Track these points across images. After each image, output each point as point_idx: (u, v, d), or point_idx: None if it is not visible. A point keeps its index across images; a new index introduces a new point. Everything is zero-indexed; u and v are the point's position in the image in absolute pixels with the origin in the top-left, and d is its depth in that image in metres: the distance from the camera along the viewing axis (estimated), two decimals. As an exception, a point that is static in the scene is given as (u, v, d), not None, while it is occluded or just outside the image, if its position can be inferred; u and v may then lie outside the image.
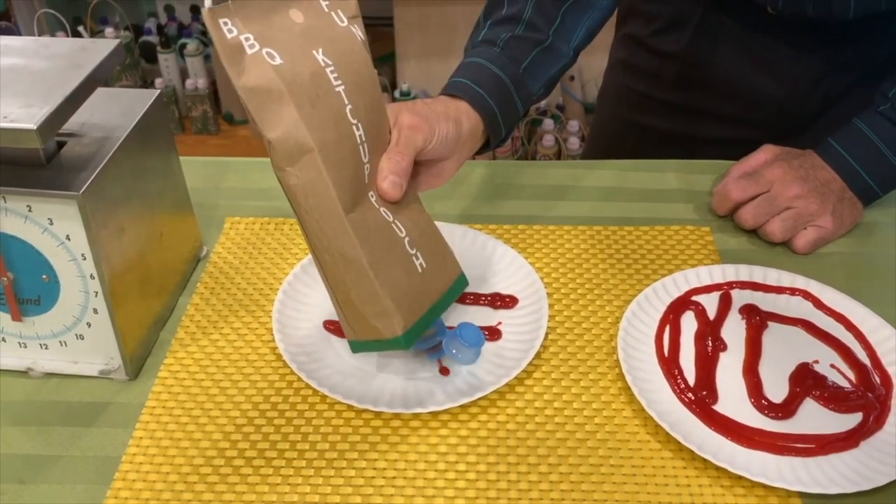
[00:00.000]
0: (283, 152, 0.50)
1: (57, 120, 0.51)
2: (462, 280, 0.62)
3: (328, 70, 0.51)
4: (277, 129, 0.49)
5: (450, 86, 0.68)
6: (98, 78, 0.55)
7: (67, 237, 0.56)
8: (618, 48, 1.02)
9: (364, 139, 0.53)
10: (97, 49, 0.57)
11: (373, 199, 0.55)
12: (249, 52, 0.48)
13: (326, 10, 0.53)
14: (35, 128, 0.49)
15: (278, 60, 0.49)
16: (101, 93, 0.61)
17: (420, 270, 0.56)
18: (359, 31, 0.55)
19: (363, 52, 0.54)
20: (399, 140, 0.57)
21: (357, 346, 0.57)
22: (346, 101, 0.52)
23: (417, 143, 0.58)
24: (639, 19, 0.96)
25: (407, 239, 0.56)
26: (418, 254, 0.56)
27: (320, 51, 0.51)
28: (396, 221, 0.56)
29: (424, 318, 0.56)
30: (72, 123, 0.58)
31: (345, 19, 0.54)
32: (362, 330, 0.55)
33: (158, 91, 0.64)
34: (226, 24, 0.48)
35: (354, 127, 0.52)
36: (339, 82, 0.51)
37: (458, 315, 0.66)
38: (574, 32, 0.75)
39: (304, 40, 0.51)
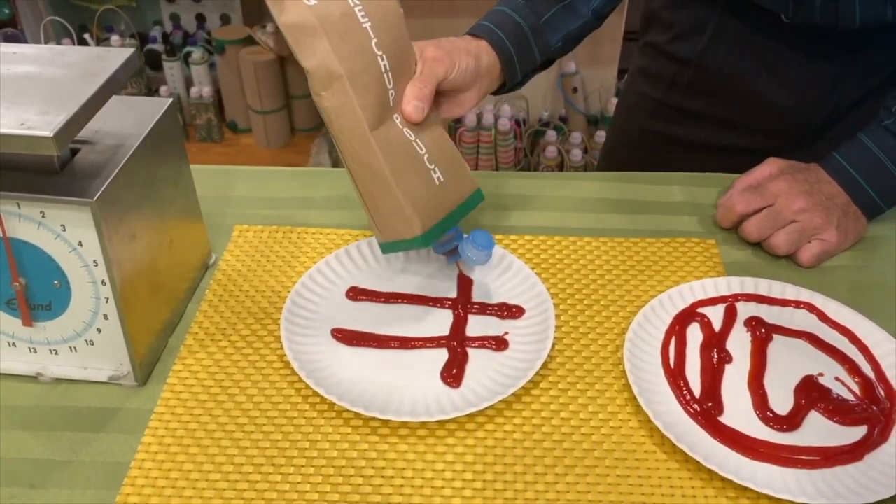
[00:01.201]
0: (318, 79, 0.58)
1: (73, 127, 0.51)
2: (478, 194, 0.68)
3: (356, 9, 0.58)
4: (313, 59, 0.57)
5: (474, 27, 0.75)
6: (113, 86, 0.56)
7: (80, 243, 0.56)
8: (638, 57, 1.03)
9: (388, 68, 0.60)
10: (112, 58, 0.57)
11: (397, 121, 0.62)
12: None
13: None
14: (52, 135, 0.49)
15: (313, 1, 0.57)
16: (113, 101, 0.61)
17: (437, 183, 0.63)
18: None
19: None
20: (423, 70, 0.64)
21: (386, 248, 0.64)
22: (372, 36, 0.59)
23: (439, 73, 0.65)
24: (659, 27, 0.98)
25: (426, 155, 0.63)
26: (436, 168, 0.63)
27: None
28: (418, 140, 0.63)
29: (442, 223, 0.64)
30: (85, 131, 0.59)
31: None
32: (389, 232, 0.63)
33: (170, 99, 0.65)
34: None
35: (379, 58, 0.60)
36: (367, 20, 0.59)
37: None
38: None
39: None
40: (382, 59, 0.60)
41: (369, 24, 0.59)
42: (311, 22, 0.57)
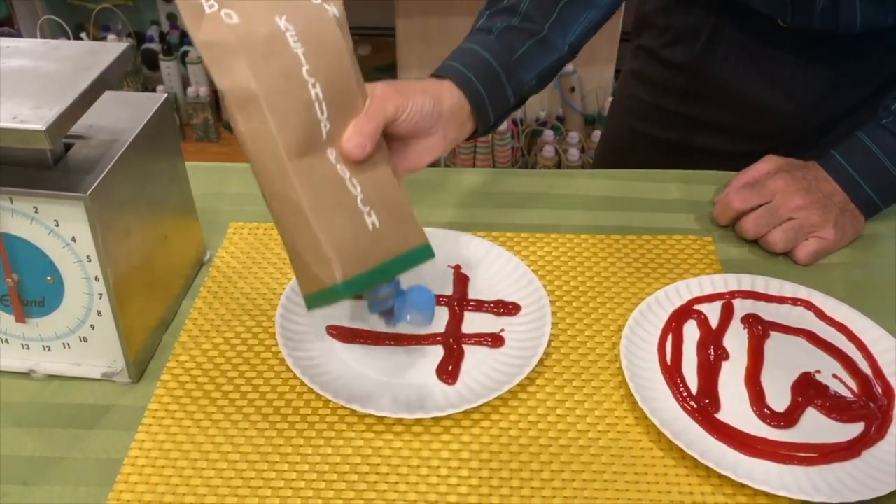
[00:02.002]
0: (234, 100, 0.53)
1: (66, 121, 0.51)
2: (426, 250, 0.60)
3: (288, 34, 0.54)
4: (228, 78, 0.52)
5: (438, 68, 0.69)
6: (106, 80, 0.55)
7: (73, 239, 0.56)
8: (631, 60, 1.03)
9: (322, 97, 0.55)
10: (106, 52, 0.57)
11: (331, 157, 0.56)
12: (208, 11, 0.51)
13: None
14: (44, 129, 0.49)
15: (235, 20, 0.52)
16: (108, 96, 0.61)
17: (371, 228, 0.56)
18: (333, 8, 0.56)
19: (332, 24, 0.56)
20: (369, 108, 0.58)
21: (310, 301, 0.56)
22: (304, 62, 0.54)
23: (388, 111, 0.58)
24: (653, 31, 0.97)
25: (360, 197, 0.56)
26: (371, 212, 0.57)
27: (283, 17, 0.53)
28: (353, 179, 0.56)
29: (371, 274, 0.56)
30: (79, 126, 0.58)
31: None
32: (308, 281, 0.55)
33: (165, 95, 0.64)
34: None
35: (310, 84, 0.54)
36: (299, 45, 0.54)
37: (414, 279, 0.64)
38: (571, 28, 0.75)
39: (269, 6, 0.53)
40: (314, 87, 0.54)
41: (301, 49, 0.54)
42: (229, 39, 0.52)
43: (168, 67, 2.36)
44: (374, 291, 0.57)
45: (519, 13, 0.72)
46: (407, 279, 0.59)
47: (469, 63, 0.68)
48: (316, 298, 0.55)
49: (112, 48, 0.57)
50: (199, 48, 0.52)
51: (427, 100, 0.62)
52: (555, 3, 0.74)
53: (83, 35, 2.35)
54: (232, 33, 0.52)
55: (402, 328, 0.61)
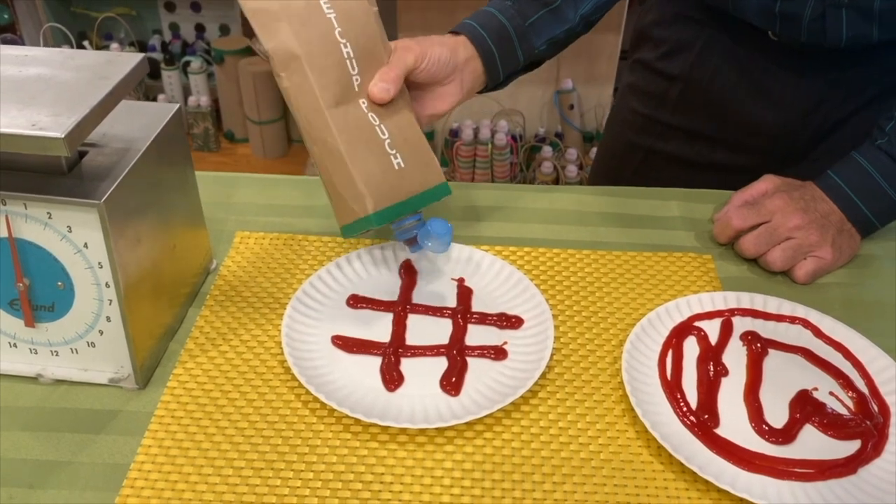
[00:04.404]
0: (278, 60, 0.62)
1: (84, 129, 0.52)
2: (444, 188, 0.68)
3: (321, 1, 0.63)
4: (273, 40, 0.62)
5: (456, 26, 0.76)
6: (123, 90, 0.56)
7: (85, 245, 0.56)
8: (629, 74, 1.05)
9: (352, 55, 0.64)
10: (122, 62, 0.58)
11: (363, 105, 0.65)
12: None
13: None
14: (63, 136, 0.50)
15: None
16: (121, 105, 0.61)
17: (397, 168, 0.65)
18: None
19: None
20: (392, 59, 0.66)
21: (346, 230, 0.65)
22: (336, 25, 0.63)
23: (408, 61, 0.67)
24: (649, 44, 0.99)
25: (388, 140, 0.65)
26: (398, 154, 0.65)
27: None
28: (382, 125, 0.65)
29: (398, 206, 0.65)
30: (93, 134, 0.59)
31: None
32: (345, 213, 0.64)
33: (177, 105, 0.65)
34: None
35: (342, 45, 0.63)
36: (331, 11, 0.63)
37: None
38: (583, 1, 0.80)
39: None
40: (346, 47, 0.63)
41: (334, 14, 0.63)
42: (273, 7, 0.61)
43: (170, 77, 2.37)
44: (400, 222, 0.66)
45: None
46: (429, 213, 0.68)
47: (483, 23, 0.76)
48: (351, 228, 0.65)
49: (128, 59, 0.58)
50: (246, 12, 0.61)
51: (444, 51, 0.70)
52: None
53: (85, 43, 2.35)
54: (275, 2, 0.61)
55: (424, 252, 0.70)
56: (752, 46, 0.87)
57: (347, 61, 0.64)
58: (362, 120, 0.64)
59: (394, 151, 0.65)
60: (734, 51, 0.89)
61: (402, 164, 0.65)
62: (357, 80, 0.64)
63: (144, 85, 2.43)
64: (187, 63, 2.37)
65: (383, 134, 0.65)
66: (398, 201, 0.64)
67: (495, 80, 0.77)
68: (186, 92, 2.40)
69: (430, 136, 2.29)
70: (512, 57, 0.77)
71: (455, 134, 2.23)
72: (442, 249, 0.66)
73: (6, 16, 2.26)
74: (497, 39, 0.75)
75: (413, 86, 0.70)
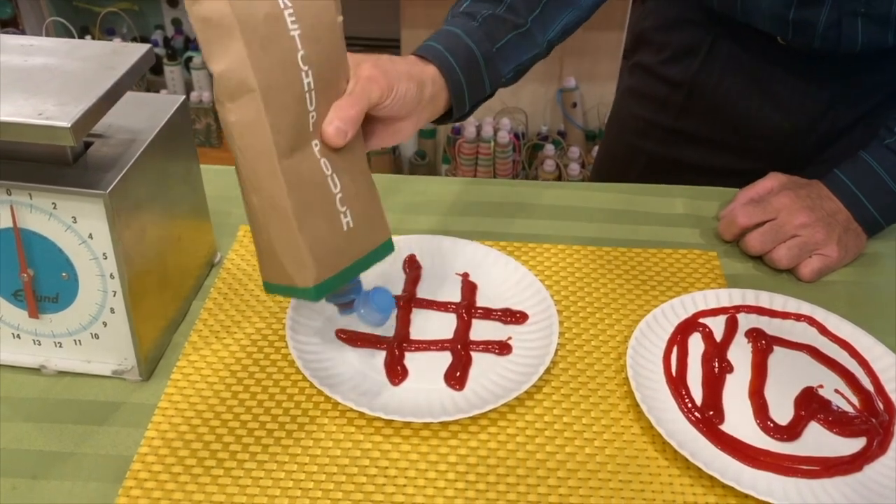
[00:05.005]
0: (226, 87, 0.50)
1: (90, 119, 0.52)
2: (388, 246, 0.61)
3: (286, 12, 0.50)
4: (223, 62, 0.49)
5: (421, 48, 0.67)
6: (130, 80, 0.56)
7: (90, 236, 0.56)
8: (627, 77, 1.04)
9: (313, 87, 0.52)
10: (129, 52, 0.58)
11: (315, 149, 0.54)
12: None
13: None
14: (69, 126, 0.50)
15: None
16: (126, 96, 0.61)
17: (345, 229, 0.56)
18: None
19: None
20: (354, 90, 0.56)
21: (270, 288, 0.57)
22: (300, 47, 0.51)
23: (373, 96, 0.57)
24: (649, 48, 0.98)
25: (340, 196, 0.56)
26: (348, 212, 0.56)
27: None
28: (334, 175, 0.55)
29: (340, 275, 0.57)
30: (98, 125, 0.59)
31: None
32: (277, 274, 0.55)
33: (183, 97, 0.65)
34: None
35: (304, 73, 0.52)
36: (296, 27, 0.51)
37: (378, 279, 0.67)
38: (552, 25, 0.75)
39: None
40: (307, 76, 0.52)
41: (298, 32, 0.51)
42: (229, 19, 0.48)
43: (172, 72, 2.37)
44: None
45: (504, 3, 0.72)
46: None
47: (453, 49, 0.67)
48: (279, 289, 0.56)
49: (134, 49, 0.58)
50: (193, 23, 0.49)
51: (411, 87, 0.61)
52: None
53: (88, 38, 2.35)
54: (231, 11, 0.48)
55: (357, 321, 0.62)
56: (759, 52, 0.86)
57: (307, 94, 0.52)
58: (315, 171, 0.54)
59: (344, 209, 0.56)
60: (740, 56, 0.88)
61: (352, 224, 0.56)
62: (313, 116, 0.53)
63: (147, 80, 2.43)
64: (190, 58, 2.37)
65: (335, 187, 0.55)
66: (342, 268, 0.56)
67: (461, 111, 0.69)
68: (189, 87, 2.40)
69: (432, 133, 2.29)
70: (479, 86, 0.69)
71: (457, 131, 2.23)
72: (378, 323, 0.61)
73: (8, 10, 2.26)
74: (467, 68, 0.67)
75: (366, 117, 0.58)
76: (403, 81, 0.60)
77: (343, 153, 0.56)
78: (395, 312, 0.61)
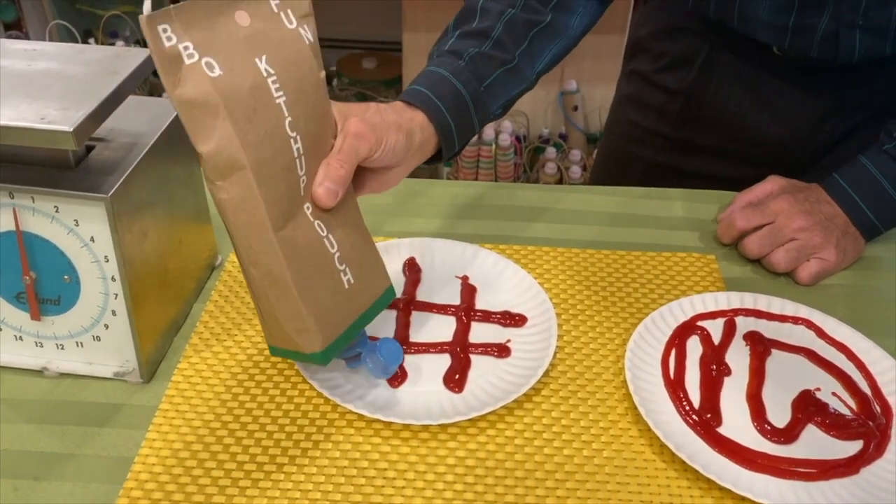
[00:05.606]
0: (215, 166, 0.49)
1: (92, 123, 0.52)
2: (390, 292, 0.61)
3: (270, 80, 0.50)
4: (210, 142, 0.48)
5: (408, 93, 0.67)
6: (132, 84, 0.57)
7: (92, 238, 0.57)
8: (624, 83, 1.04)
9: (302, 152, 0.52)
10: (131, 57, 0.58)
11: (308, 212, 0.54)
12: (188, 62, 0.47)
13: (276, 9, 0.51)
14: (71, 130, 0.50)
15: (217, 72, 0.47)
16: (128, 100, 0.62)
17: (347, 286, 0.56)
18: (308, 33, 0.53)
19: (310, 57, 0.53)
20: (342, 147, 0.56)
21: (276, 351, 0.57)
22: (286, 114, 0.51)
23: (361, 152, 0.57)
24: (645, 56, 0.98)
25: (338, 255, 0.56)
26: (347, 269, 0.56)
27: (264, 59, 0.50)
28: (330, 236, 0.55)
29: (346, 333, 0.57)
30: (100, 129, 0.59)
31: (294, 20, 0.52)
32: (281, 338, 0.55)
33: (184, 101, 0.65)
34: (165, 30, 0.46)
35: (292, 140, 0.51)
36: (281, 93, 0.50)
37: (387, 326, 0.68)
38: (540, 57, 0.75)
39: (248, 47, 0.49)
40: (296, 142, 0.51)
41: (284, 98, 0.50)
42: (213, 99, 0.47)
43: (174, 75, 2.37)
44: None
45: (490, 38, 0.72)
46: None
47: (440, 93, 0.67)
48: (285, 353, 0.56)
49: (136, 54, 0.59)
50: (177, 107, 0.48)
51: (400, 138, 0.61)
52: (526, 31, 0.74)
53: (91, 41, 2.36)
54: (215, 89, 0.47)
55: (364, 372, 0.62)
56: (756, 60, 0.86)
57: (297, 161, 0.52)
58: (311, 235, 0.54)
59: (343, 266, 0.56)
60: (736, 66, 0.88)
61: (352, 280, 0.56)
62: (303, 180, 0.52)
63: (149, 83, 2.43)
64: (192, 61, 2.37)
65: (332, 247, 0.55)
66: (348, 326, 0.56)
67: (450, 153, 0.69)
68: (191, 90, 2.40)
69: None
70: (468, 127, 0.69)
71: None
72: (386, 375, 0.61)
73: (12, 13, 2.27)
74: (455, 110, 0.67)
75: (356, 169, 0.58)
76: (392, 133, 0.60)
77: (335, 210, 0.56)
78: (399, 365, 0.62)
